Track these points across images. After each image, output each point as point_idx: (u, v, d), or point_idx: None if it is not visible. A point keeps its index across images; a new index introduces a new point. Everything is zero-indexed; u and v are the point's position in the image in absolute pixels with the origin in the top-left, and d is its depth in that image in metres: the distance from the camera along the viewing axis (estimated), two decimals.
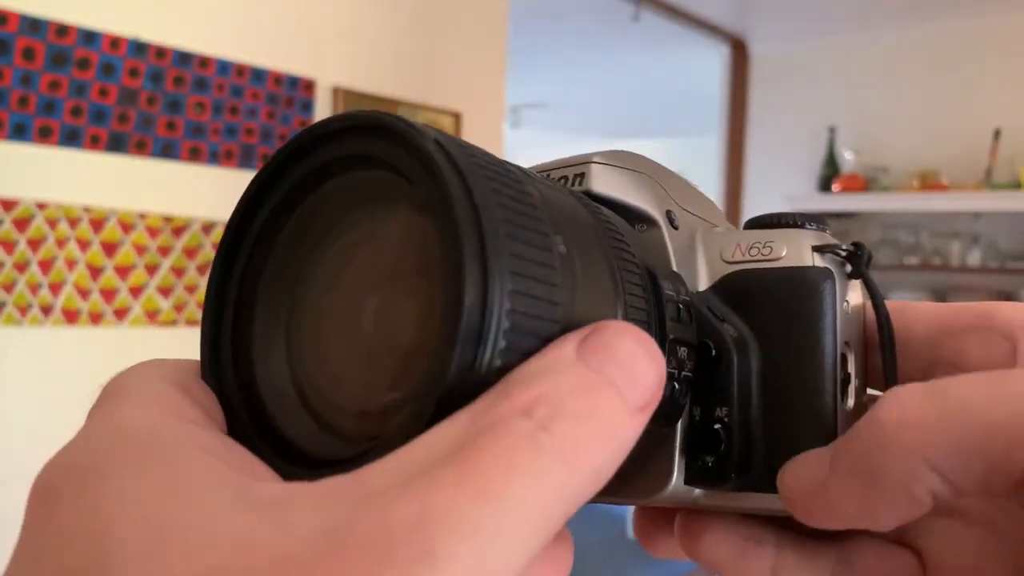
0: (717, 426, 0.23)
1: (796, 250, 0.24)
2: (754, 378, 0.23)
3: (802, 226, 0.25)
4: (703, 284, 0.25)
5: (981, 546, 0.22)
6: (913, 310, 0.25)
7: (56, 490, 0.15)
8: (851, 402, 0.24)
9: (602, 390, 0.16)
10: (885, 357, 0.24)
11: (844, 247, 0.25)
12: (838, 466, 0.20)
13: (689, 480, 0.23)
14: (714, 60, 3.61)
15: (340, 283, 0.19)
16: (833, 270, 0.24)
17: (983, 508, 0.22)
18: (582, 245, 0.19)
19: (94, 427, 0.16)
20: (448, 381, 0.15)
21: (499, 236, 0.16)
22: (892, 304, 0.25)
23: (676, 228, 0.25)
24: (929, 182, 3.14)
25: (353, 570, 0.13)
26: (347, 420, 0.18)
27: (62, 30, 1.61)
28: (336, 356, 0.19)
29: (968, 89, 3.13)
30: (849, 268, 0.25)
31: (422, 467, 0.14)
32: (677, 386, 0.22)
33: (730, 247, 0.25)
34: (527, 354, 0.16)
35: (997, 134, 3.04)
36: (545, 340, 0.16)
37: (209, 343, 0.19)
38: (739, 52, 3.59)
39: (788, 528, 0.24)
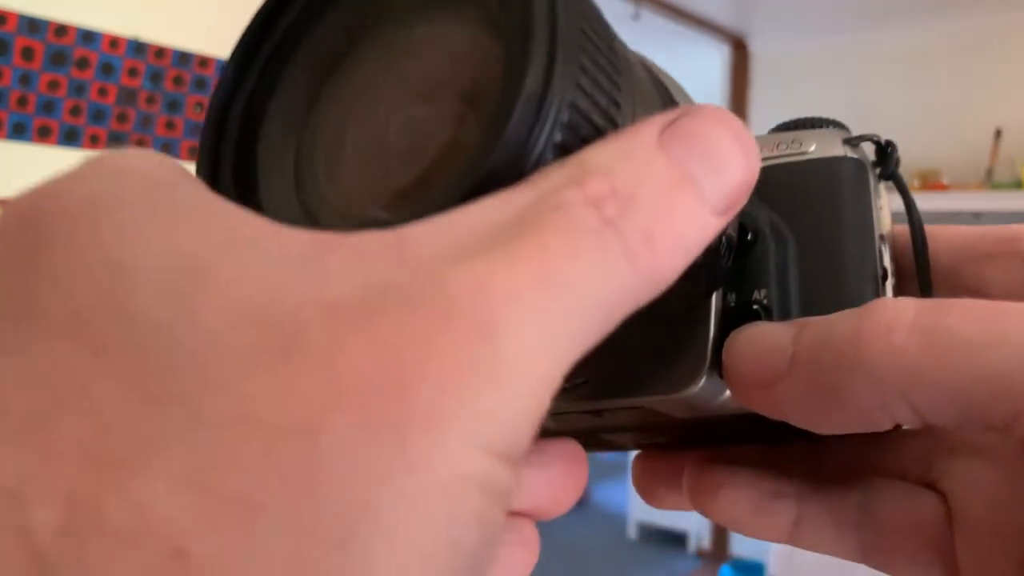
0: (756, 307, 0.22)
1: (826, 144, 0.24)
2: (791, 265, 0.22)
3: (827, 126, 0.24)
4: None
5: (1005, 488, 0.21)
6: (941, 233, 0.24)
7: (44, 222, 0.12)
8: (889, 295, 0.23)
9: (683, 189, 0.14)
10: (918, 260, 0.23)
11: (876, 138, 0.24)
12: (799, 368, 0.18)
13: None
14: (715, 59, 3.61)
15: (366, 100, 0.17)
16: (866, 164, 0.23)
17: (1006, 447, 0.21)
18: (636, 75, 0.18)
19: (84, 167, 0.13)
20: (500, 151, 0.14)
21: (571, 45, 0.14)
22: (927, 225, 0.24)
23: None
24: (930, 182, 3.13)
25: (409, 329, 0.11)
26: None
27: (61, 30, 1.61)
28: (352, 175, 0.17)
29: (969, 88, 3.12)
30: (879, 170, 0.24)
31: (476, 238, 0.12)
32: (723, 241, 0.20)
33: (759, 146, 0.24)
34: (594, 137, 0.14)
35: (998, 134, 3.04)
36: (602, 133, 0.15)
37: (207, 169, 0.17)
38: (740, 51, 3.58)
39: (810, 476, 0.23)
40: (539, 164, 0.14)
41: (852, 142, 0.23)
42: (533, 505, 0.18)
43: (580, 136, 0.14)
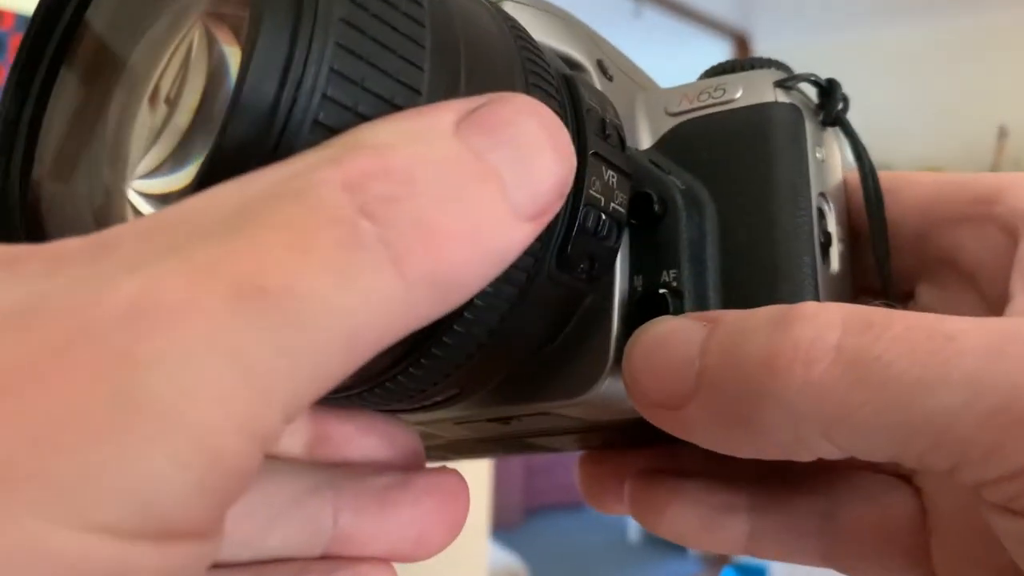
0: (663, 291, 0.18)
1: (754, 88, 0.20)
2: (709, 238, 0.19)
3: (762, 67, 0.21)
4: (645, 143, 0.20)
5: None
6: (906, 185, 0.20)
7: None
8: (835, 266, 0.19)
9: (484, 181, 0.11)
10: (872, 223, 0.20)
11: (813, 78, 0.20)
12: (706, 390, 0.16)
13: None
14: (716, 57, 3.59)
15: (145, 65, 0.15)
16: (802, 109, 0.20)
17: None
18: (471, 27, 0.15)
19: None
20: (227, 135, 0.11)
21: None
22: (885, 176, 0.20)
23: (610, 79, 0.20)
24: None
25: (25, 364, 0.09)
26: None
27: None
28: (136, 143, 0.15)
29: (973, 87, 3.11)
30: (822, 115, 0.20)
31: (184, 236, 0.10)
32: (604, 218, 0.17)
33: (675, 98, 0.21)
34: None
35: (1002, 132, 3.02)
36: (397, 107, 0.12)
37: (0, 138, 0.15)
38: (741, 49, 3.57)
39: (766, 485, 0.21)
40: (296, 144, 0.11)
41: (785, 84, 0.20)
42: (389, 548, 0.16)
43: (354, 113, 0.12)
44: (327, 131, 0.12)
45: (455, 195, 0.11)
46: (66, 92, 0.16)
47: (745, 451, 0.16)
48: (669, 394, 0.16)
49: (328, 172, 0.10)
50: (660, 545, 3.30)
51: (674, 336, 0.17)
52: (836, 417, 0.15)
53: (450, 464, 0.18)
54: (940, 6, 3.07)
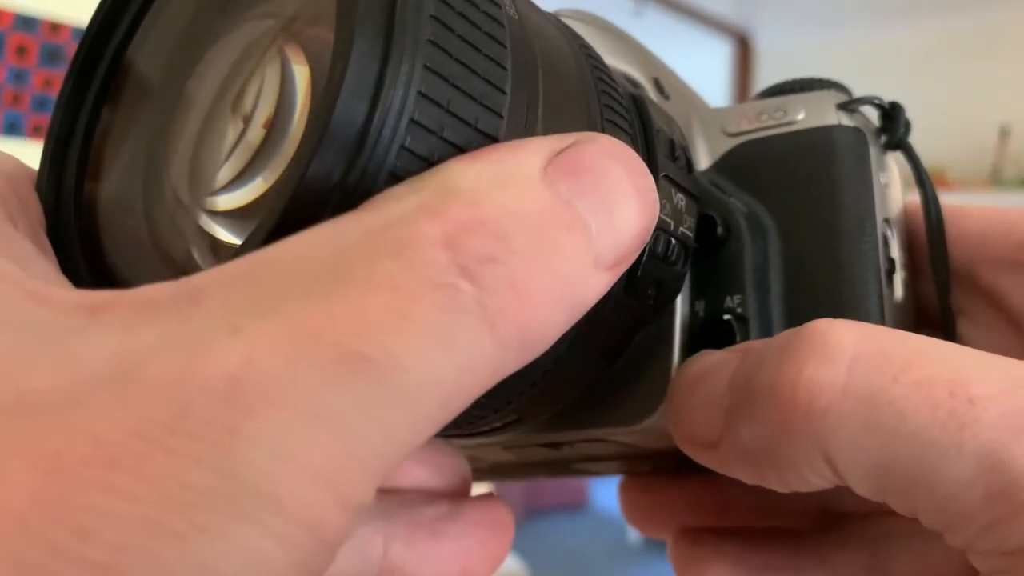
0: (728, 317, 0.18)
1: (817, 111, 0.19)
2: (772, 263, 0.18)
3: (822, 88, 0.20)
4: (703, 164, 0.20)
5: None
6: (957, 220, 0.20)
7: None
8: (899, 293, 0.19)
9: (571, 231, 0.11)
10: (932, 247, 0.19)
11: (877, 101, 0.20)
12: (733, 427, 0.16)
13: None
14: (718, 56, 3.59)
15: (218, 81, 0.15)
16: (865, 132, 0.19)
17: None
18: (547, 48, 0.14)
19: None
20: (310, 173, 0.11)
21: (422, 11, 0.11)
22: (943, 204, 0.20)
23: (667, 98, 0.20)
24: (934, 180, 3.11)
25: (109, 426, 0.09)
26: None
27: (55, 27, 1.60)
28: (194, 161, 0.14)
29: (974, 86, 3.11)
30: (884, 139, 0.20)
31: (278, 290, 0.10)
32: (674, 243, 0.17)
33: (734, 119, 0.20)
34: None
35: (1004, 131, 3.01)
36: (480, 132, 0.12)
37: (51, 153, 0.15)
38: (743, 48, 3.56)
39: (809, 538, 0.21)
40: (383, 170, 0.11)
41: (849, 107, 0.19)
42: None
43: (440, 138, 0.12)
44: (413, 157, 0.11)
45: (546, 249, 0.11)
46: (120, 102, 0.16)
47: (778, 484, 0.16)
48: (705, 432, 0.16)
49: (426, 224, 0.10)
50: (660, 546, 3.29)
51: (709, 373, 0.16)
52: (841, 450, 0.14)
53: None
54: (941, 6, 3.06)
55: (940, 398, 0.14)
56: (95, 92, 0.15)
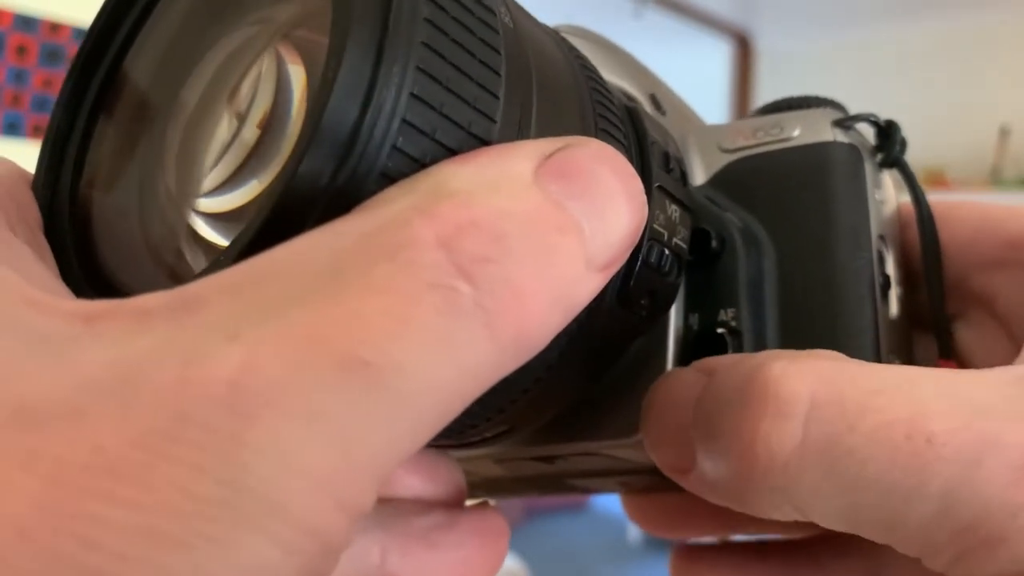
0: (721, 331, 0.18)
1: (812, 127, 0.19)
2: (767, 277, 0.18)
3: (818, 106, 0.20)
4: (699, 179, 0.20)
5: None
6: (947, 225, 0.20)
7: None
8: (894, 310, 0.19)
9: (564, 232, 0.11)
10: (927, 264, 0.19)
11: (873, 118, 0.20)
12: (701, 465, 0.16)
13: None
14: (718, 56, 3.59)
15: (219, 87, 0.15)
16: (860, 149, 0.19)
17: None
18: (541, 56, 0.14)
19: None
20: (300, 173, 0.10)
21: (416, 13, 0.11)
22: (933, 205, 0.20)
23: (663, 113, 0.20)
24: (934, 180, 3.11)
25: (132, 448, 0.09)
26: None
27: (55, 27, 1.60)
28: (199, 164, 0.14)
29: (974, 86, 3.11)
30: (880, 157, 0.20)
31: (274, 296, 0.10)
32: (667, 254, 0.17)
33: (730, 135, 0.20)
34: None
35: (1004, 131, 3.01)
36: (473, 135, 0.12)
37: (48, 156, 0.15)
38: (743, 48, 3.56)
39: (804, 548, 0.21)
40: (374, 170, 0.11)
41: (844, 124, 0.20)
42: None
43: (432, 139, 0.12)
44: (404, 158, 0.11)
45: (540, 250, 0.11)
46: (116, 108, 0.16)
47: (752, 512, 0.16)
48: (676, 460, 0.16)
49: (421, 226, 0.10)
50: (660, 546, 3.30)
51: (676, 400, 0.16)
52: (805, 499, 0.14)
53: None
54: (941, 6, 3.06)
55: (898, 441, 0.14)
56: (93, 95, 0.15)
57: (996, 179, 3.05)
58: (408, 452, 0.10)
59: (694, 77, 4.49)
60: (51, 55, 1.58)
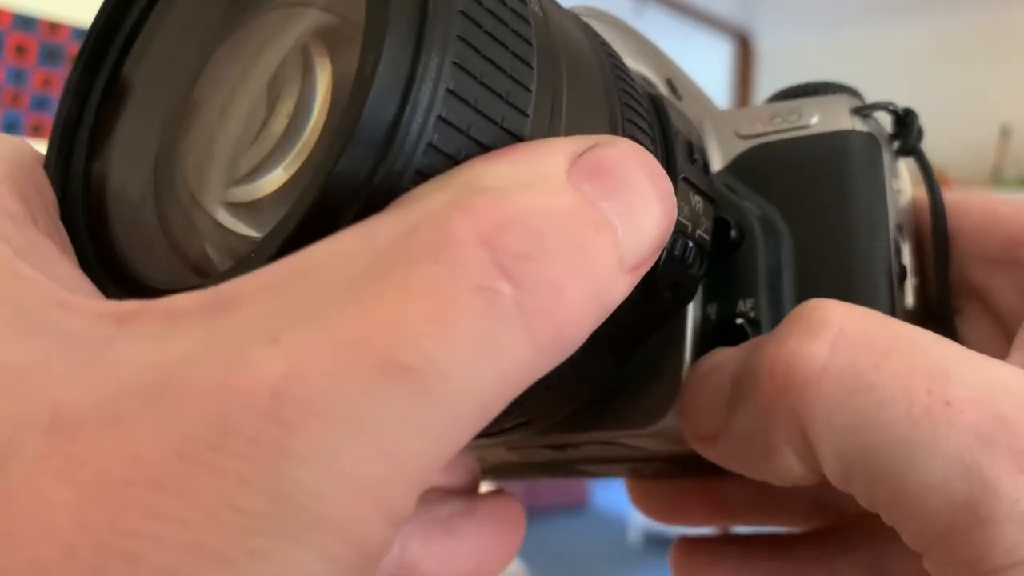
0: (740, 321, 0.18)
1: (831, 115, 0.19)
2: (785, 267, 0.18)
3: (836, 92, 0.20)
4: (716, 165, 0.20)
5: None
6: (957, 218, 0.20)
7: None
8: (910, 300, 0.19)
9: (599, 231, 0.11)
10: (937, 255, 0.19)
11: (891, 107, 0.19)
12: (731, 421, 0.16)
13: None
14: (719, 55, 3.59)
15: (243, 68, 0.15)
16: (878, 138, 0.19)
17: None
18: (570, 46, 0.14)
19: None
20: (337, 170, 0.10)
21: (452, 6, 0.11)
22: (946, 197, 0.20)
23: (679, 98, 0.20)
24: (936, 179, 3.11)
25: (174, 458, 0.09)
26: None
27: (54, 27, 1.60)
28: (211, 152, 0.14)
29: (975, 86, 3.11)
30: (896, 144, 0.20)
31: (312, 296, 0.09)
32: (691, 246, 0.16)
33: (747, 120, 0.20)
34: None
35: (1005, 131, 3.01)
36: (506, 131, 0.12)
37: (59, 141, 0.14)
38: (744, 47, 3.56)
39: (811, 544, 0.21)
40: (410, 167, 0.11)
41: (863, 112, 0.19)
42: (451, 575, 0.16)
43: (467, 136, 0.11)
44: (439, 155, 0.11)
45: (577, 248, 0.11)
46: (127, 95, 0.15)
47: (769, 474, 0.16)
48: (708, 426, 0.16)
49: (460, 223, 0.10)
50: (660, 546, 3.30)
51: (717, 368, 0.17)
52: (816, 429, 0.14)
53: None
54: (942, 6, 3.06)
55: (917, 393, 0.13)
56: (103, 83, 0.15)
57: (997, 178, 3.05)
58: (449, 455, 0.10)
59: (695, 76, 4.47)
60: (50, 55, 1.58)
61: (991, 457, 0.13)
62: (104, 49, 0.15)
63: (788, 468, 0.15)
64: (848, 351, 0.14)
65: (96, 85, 0.15)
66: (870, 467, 0.14)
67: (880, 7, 3.13)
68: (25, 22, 1.55)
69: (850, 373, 0.14)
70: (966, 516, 0.13)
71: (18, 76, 1.55)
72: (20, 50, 1.55)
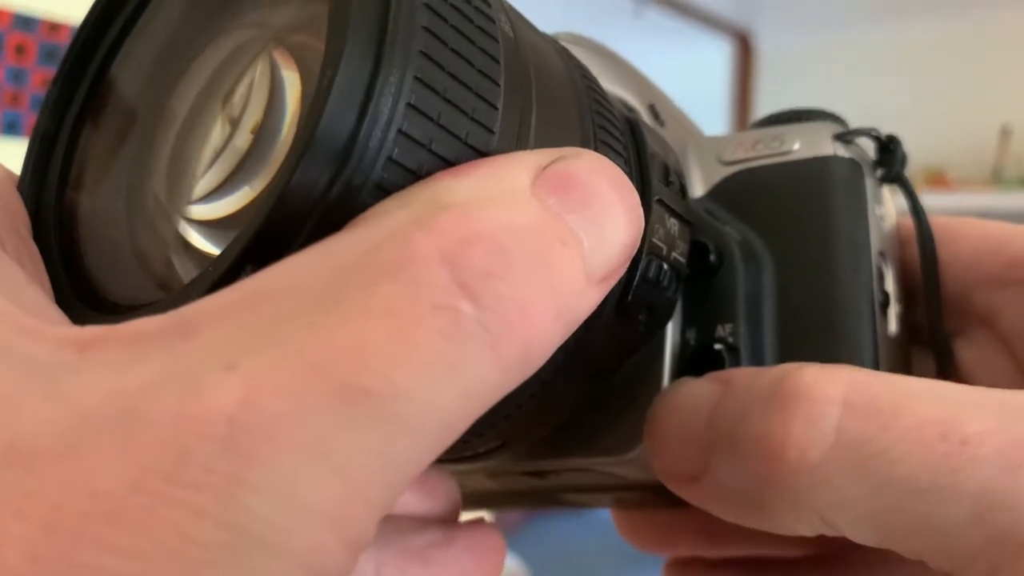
0: (719, 346, 0.18)
1: (813, 141, 0.19)
2: (766, 292, 0.18)
3: (819, 119, 0.20)
4: (698, 190, 0.20)
5: None
6: (952, 242, 0.19)
7: None
8: (893, 328, 0.19)
9: (565, 245, 0.11)
10: (926, 281, 0.19)
11: (874, 133, 0.19)
12: (714, 467, 0.15)
13: None
14: (718, 55, 3.59)
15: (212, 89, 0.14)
16: (861, 164, 0.19)
17: None
18: (541, 66, 0.14)
19: None
20: (293, 183, 0.10)
21: (414, 22, 0.11)
22: (933, 223, 0.20)
23: (662, 124, 0.20)
24: (935, 180, 3.10)
25: (131, 489, 0.08)
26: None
27: (54, 27, 1.60)
28: (190, 170, 0.14)
29: (976, 86, 3.10)
30: (880, 172, 0.19)
31: (272, 319, 0.09)
32: (666, 268, 0.16)
33: (729, 147, 0.20)
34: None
35: (1005, 131, 3.01)
36: (470, 147, 0.12)
37: (35, 158, 0.14)
38: (743, 47, 3.56)
39: (807, 569, 0.21)
40: (368, 180, 0.11)
41: (845, 138, 0.19)
42: None
43: (428, 150, 0.11)
44: (400, 169, 0.11)
45: (542, 263, 0.11)
46: (103, 112, 0.15)
47: (761, 527, 0.16)
48: (684, 467, 0.16)
49: (422, 241, 0.10)
50: None
51: (689, 406, 0.16)
52: (833, 504, 0.14)
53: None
54: (942, 6, 3.06)
55: (932, 441, 0.13)
56: (80, 100, 0.15)
57: (997, 179, 3.04)
58: (410, 479, 0.10)
59: (694, 76, 4.48)
60: (50, 55, 1.58)
61: (1018, 483, 0.13)
62: (85, 63, 0.15)
63: (789, 528, 0.15)
64: (857, 423, 0.14)
65: (75, 99, 0.15)
66: (900, 525, 0.14)
67: (880, 7, 3.13)
68: (25, 22, 1.55)
69: (862, 443, 0.14)
70: (1008, 547, 0.13)
71: (18, 76, 1.56)
72: (20, 50, 1.55)
